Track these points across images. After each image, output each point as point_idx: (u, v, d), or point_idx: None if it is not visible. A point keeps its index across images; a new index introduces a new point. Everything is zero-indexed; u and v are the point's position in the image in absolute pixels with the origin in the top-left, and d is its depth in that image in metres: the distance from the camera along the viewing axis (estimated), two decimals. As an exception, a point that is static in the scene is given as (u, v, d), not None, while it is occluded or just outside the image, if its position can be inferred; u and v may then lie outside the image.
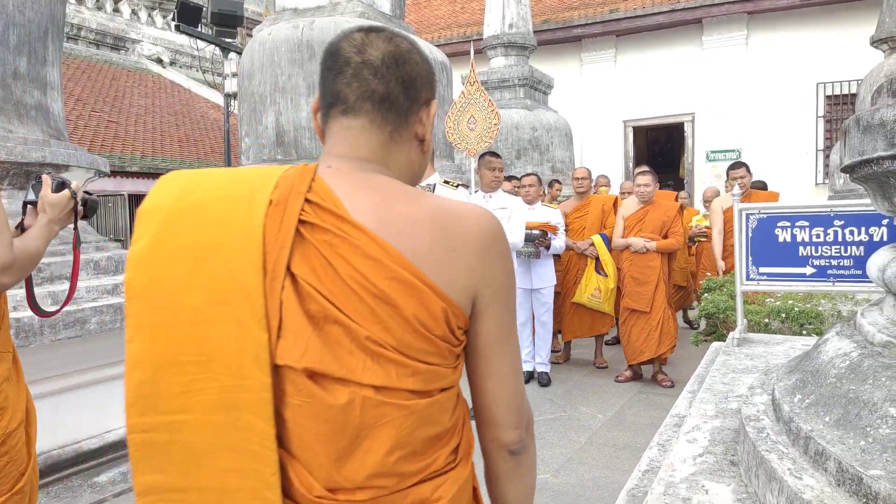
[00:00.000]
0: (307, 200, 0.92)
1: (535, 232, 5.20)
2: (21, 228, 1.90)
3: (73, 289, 2.01)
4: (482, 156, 5.05)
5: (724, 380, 2.13)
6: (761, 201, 5.33)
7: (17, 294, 3.17)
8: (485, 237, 0.96)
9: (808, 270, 2.71)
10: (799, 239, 2.71)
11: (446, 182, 3.75)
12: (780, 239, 2.73)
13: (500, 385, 1.00)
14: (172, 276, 0.90)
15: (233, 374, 0.87)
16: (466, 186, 5.42)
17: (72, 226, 1.96)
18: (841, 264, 2.67)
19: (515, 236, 4.46)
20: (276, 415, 0.87)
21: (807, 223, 2.70)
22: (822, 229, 2.69)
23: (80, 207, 1.93)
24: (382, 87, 0.99)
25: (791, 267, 2.72)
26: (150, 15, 18.02)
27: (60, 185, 1.87)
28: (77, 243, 2.03)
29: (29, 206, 1.88)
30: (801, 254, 2.73)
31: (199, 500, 0.90)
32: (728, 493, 1.31)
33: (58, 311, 2.06)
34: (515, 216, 4.52)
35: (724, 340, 3.81)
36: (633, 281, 5.38)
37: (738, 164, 5.97)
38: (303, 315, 0.88)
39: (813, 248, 2.71)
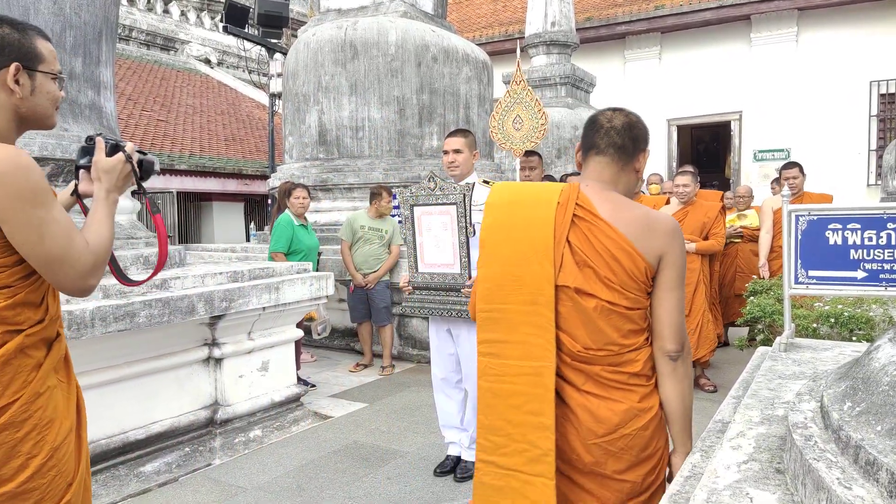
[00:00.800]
0: (576, 204, 1.76)
1: None
2: (77, 195, 1.79)
3: (163, 255, 1.85)
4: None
5: (770, 385, 2.08)
6: (814, 203, 5.16)
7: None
8: (668, 229, 1.77)
9: (860, 274, 2.62)
10: (850, 242, 2.62)
11: (486, 182, 3.72)
12: (831, 241, 2.64)
13: (666, 312, 1.77)
14: (504, 239, 1.81)
15: (535, 288, 1.74)
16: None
17: (139, 194, 1.82)
18: (894, 268, 2.58)
19: None
20: (556, 310, 1.73)
21: (859, 225, 2.62)
22: (874, 232, 2.60)
23: (136, 169, 1.75)
24: (620, 141, 1.83)
25: (841, 271, 2.64)
26: (198, 16, 18.43)
27: (114, 148, 1.69)
28: (153, 208, 1.84)
29: (82, 171, 1.74)
30: (852, 257, 2.64)
31: (513, 347, 1.78)
32: (773, 501, 1.28)
33: (146, 279, 1.95)
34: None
35: (771, 345, 3.72)
36: None
37: (790, 165, 5.79)
38: (573, 262, 1.74)
39: (865, 251, 2.62)
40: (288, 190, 5.80)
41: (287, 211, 5.69)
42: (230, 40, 16.66)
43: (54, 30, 3.82)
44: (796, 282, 2.75)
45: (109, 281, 3.56)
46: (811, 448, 1.27)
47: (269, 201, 6.13)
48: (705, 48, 14.42)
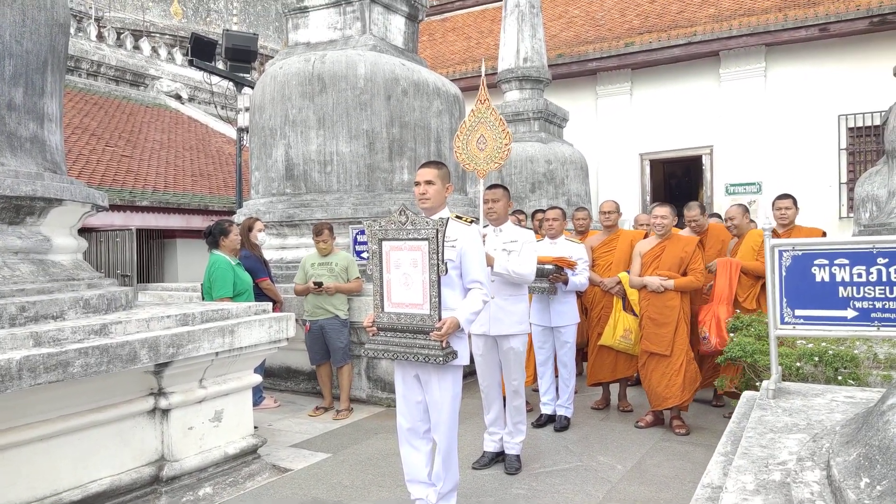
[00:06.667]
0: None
1: (549, 267, 4.92)
2: None
3: None
4: None
5: (761, 441, 1.86)
6: (804, 237, 4.97)
7: (-5, 335, 2.98)
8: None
9: (850, 313, 2.45)
10: (839, 278, 2.45)
11: (458, 217, 3.52)
12: (818, 278, 2.47)
13: None
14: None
15: None
16: (478, 220, 5.20)
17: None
18: (886, 307, 2.40)
19: (524, 269, 4.18)
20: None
21: (847, 261, 2.45)
22: (864, 268, 2.43)
23: None
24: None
25: (830, 310, 2.46)
26: (170, 52, 18.26)
27: None
28: None
29: None
30: (840, 295, 2.47)
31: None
32: None
33: None
34: (525, 249, 4.25)
35: (754, 388, 3.51)
36: (651, 322, 5.03)
37: (784, 196, 5.53)
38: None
39: (854, 288, 2.44)
40: (248, 226, 5.54)
41: (218, 252, 5.39)
42: (201, 75, 16.48)
43: (-10, 58, 3.57)
44: (782, 322, 2.56)
45: (42, 327, 3.26)
46: (826, 538, 1.04)
47: (204, 236, 5.57)
48: (675, 84, 14.57)
